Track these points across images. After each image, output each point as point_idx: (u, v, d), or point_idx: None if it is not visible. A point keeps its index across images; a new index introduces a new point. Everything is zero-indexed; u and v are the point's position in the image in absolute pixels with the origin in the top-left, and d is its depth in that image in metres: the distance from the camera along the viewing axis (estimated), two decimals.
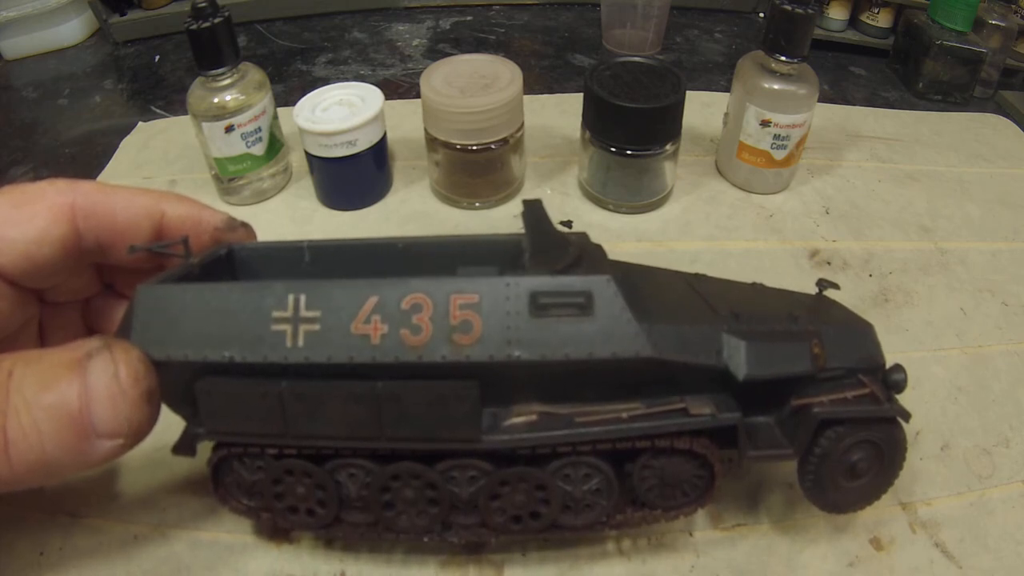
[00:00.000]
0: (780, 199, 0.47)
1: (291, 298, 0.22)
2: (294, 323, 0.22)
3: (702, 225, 0.44)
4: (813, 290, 0.40)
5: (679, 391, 0.24)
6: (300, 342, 0.22)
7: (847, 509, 0.27)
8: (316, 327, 0.22)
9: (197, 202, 0.29)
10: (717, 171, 0.49)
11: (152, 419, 0.22)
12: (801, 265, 0.42)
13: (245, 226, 0.30)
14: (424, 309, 0.22)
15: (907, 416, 0.25)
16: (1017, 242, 0.44)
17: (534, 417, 0.24)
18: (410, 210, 0.45)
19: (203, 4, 0.39)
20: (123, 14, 0.67)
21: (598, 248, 0.27)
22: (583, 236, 0.28)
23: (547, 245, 0.25)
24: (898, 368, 0.26)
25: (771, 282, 0.40)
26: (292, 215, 0.45)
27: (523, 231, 0.27)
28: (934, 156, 0.52)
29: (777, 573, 0.28)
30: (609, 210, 0.45)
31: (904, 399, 0.34)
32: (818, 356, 0.25)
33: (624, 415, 0.24)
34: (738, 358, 0.24)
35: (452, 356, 0.22)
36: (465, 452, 0.24)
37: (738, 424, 0.24)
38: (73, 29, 0.67)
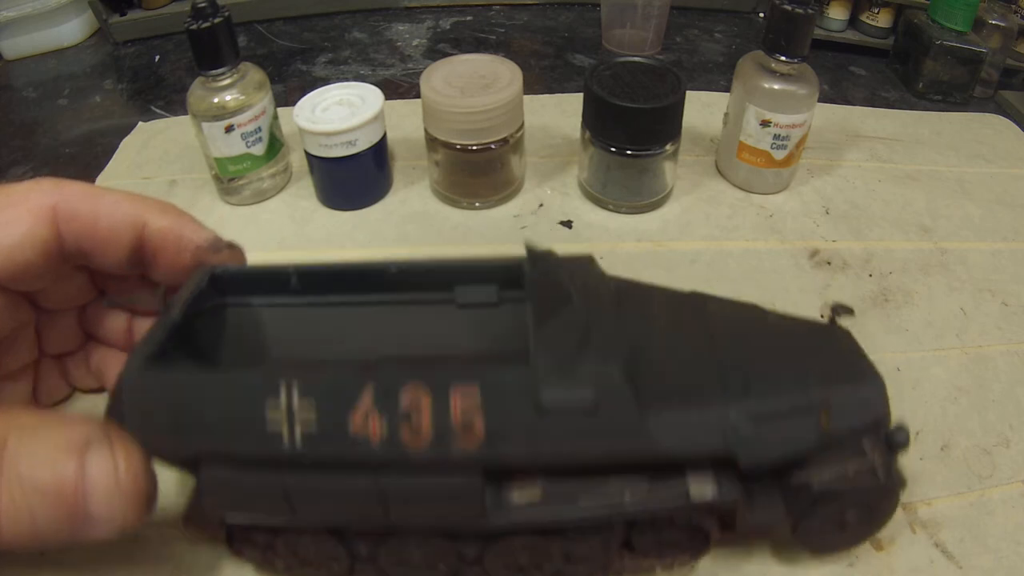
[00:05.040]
0: (780, 199, 0.47)
1: (283, 389, 0.21)
2: (289, 420, 0.22)
3: (702, 225, 0.44)
4: (814, 291, 0.40)
5: (682, 467, 0.25)
6: (298, 441, 0.22)
7: (828, 552, 0.27)
8: (313, 428, 0.22)
9: (183, 216, 0.28)
10: (717, 171, 0.49)
11: (150, 512, 0.22)
12: (801, 265, 0.42)
13: (232, 247, 0.29)
14: (423, 408, 0.21)
15: (904, 485, 0.26)
16: (1017, 242, 0.44)
17: (538, 494, 0.24)
18: (410, 210, 0.45)
19: (203, 4, 0.39)
20: (123, 14, 0.67)
21: (601, 279, 0.26)
22: (587, 261, 0.27)
23: (552, 309, 0.24)
24: (900, 428, 0.26)
25: (771, 282, 0.40)
26: (292, 215, 0.45)
27: (524, 251, 0.27)
28: (934, 156, 0.52)
29: (778, 573, 0.28)
30: (609, 210, 0.45)
31: (904, 399, 0.35)
32: (824, 427, 0.25)
33: (627, 496, 0.24)
34: (744, 443, 0.24)
35: (455, 455, 0.22)
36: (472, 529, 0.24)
37: (737, 504, 0.24)
38: (73, 29, 0.67)
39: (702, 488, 0.24)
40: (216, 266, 0.27)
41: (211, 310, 0.27)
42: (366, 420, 0.21)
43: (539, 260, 0.26)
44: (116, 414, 0.22)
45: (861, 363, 0.28)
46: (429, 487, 0.22)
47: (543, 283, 0.25)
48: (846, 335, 0.29)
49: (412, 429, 0.21)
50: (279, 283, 0.27)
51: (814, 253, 0.43)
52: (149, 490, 0.22)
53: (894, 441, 0.26)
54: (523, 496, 0.23)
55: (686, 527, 0.25)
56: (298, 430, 0.22)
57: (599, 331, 0.23)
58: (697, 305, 0.28)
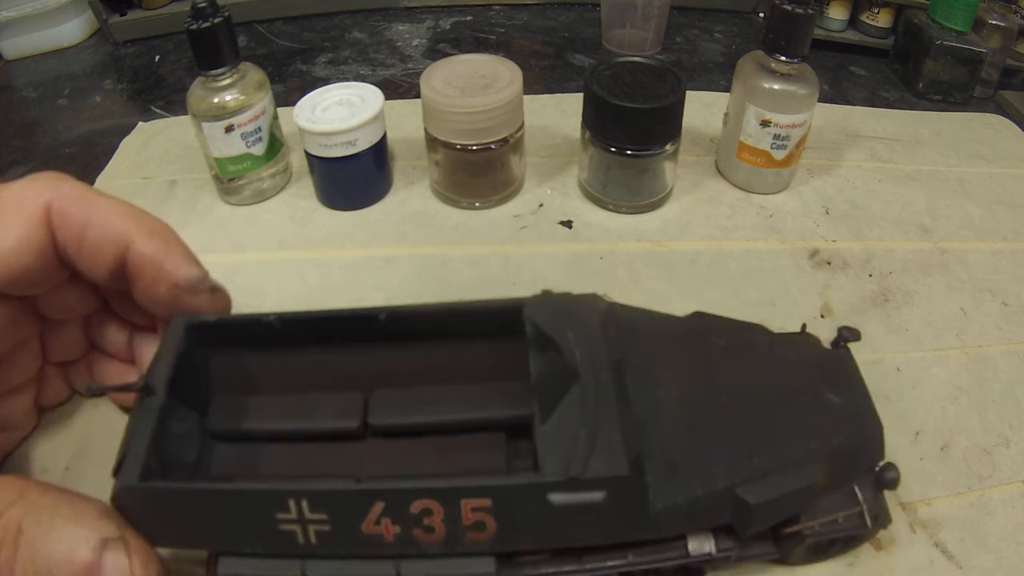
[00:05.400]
0: (780, 199, 0.47)
1: (292, 504, 0.22)
2: (302, 524, 0.22)
3: (702, 225, 0.44)
4: (814, 291, 0.40)
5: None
6: (312, 539, 0.22)
7: (806, 563, 0.28)
8: (326, 527, 0.22)
9: (170, 243, 0.26)
10: (717, 171, 0.49)
11: None
12: (801, 265, 0.42)
13: (214, 291, 0.27)
14: (435, 513, 0.22)
15: (888, 524, 0.27)
16: (1017, 242, 0.44)
17: (546, 556, 0.24)
18: (410, 210, 0.45)
19: (203, 4, 0.39)
20: (123, 14, 0.67)
21: (604, 328, 0.26)
22: (592, 299, 0.27)
23: (557, 392, 0.24)
24: (891, 467, 0.26)
25: (771, 282, 0.40)
26: (292, 215, 0.45)
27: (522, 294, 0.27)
28: (934, 156, 0.52)
29: (778, 573, 0.28)
30: (609, 210, 0.45)
31: (904, 399, 0.35)
32: (821, 484, 0.25)
33: (630, 556, 0.24)
34: (744, 514, 0.24)
35: (468, 548, 0.22)
36: None
37: (732, 555, 0.25)
38: (73, 29, 0.67)
39: (701, 545, 0.25)
40: (193, 318, 0.26)
41: (194, 357, 0.26)
42: (379, 524, 0.22)
43: (540, 322, 0.26)
44: (121, 507, 0.22)
45: (862, 403, 0.28)
46: (444, 568, 0.23)
47: (547, 364, 0.25)
48: (847, 361, 0.29)
49: (424, 530, 0.22)
50: (262, 332, 0.27)
51: (814, 253, 0.43)
52: None
53: (883, 479, 0.26)
54: (531, 556, 0.24)
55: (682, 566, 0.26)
56: (311, 530, 0.22)
57: (606, 420, 0.23)
58: (702, 345, 0.28)
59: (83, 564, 0.20)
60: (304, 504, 0.21)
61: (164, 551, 0.23)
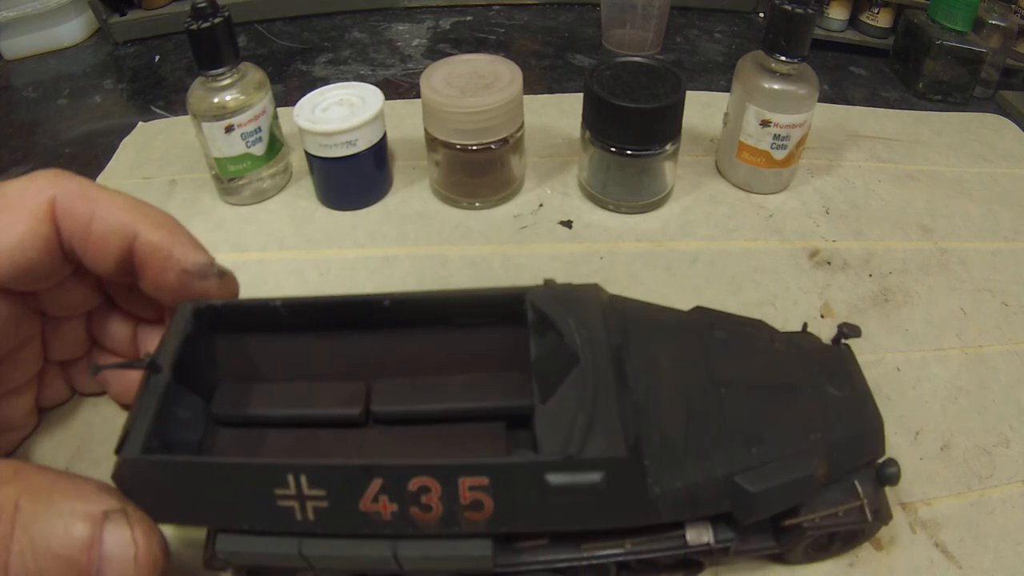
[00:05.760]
0: (780, 199, 0.47)
1: (291, 479, 0.22)
2: (300, 500, 0.22)
3: (702, 225, 0.44)
4: (814, 291, 0.40)
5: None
6: (310, 516, 0.22)
7: (806, 562, 0.28)
8: (324, 504, 0.22)
9: (176, 232, 0.27)
10: (717, 171, 0.49)
11: None
12: (801, 265, 0.42)
13: (222, 275, 0.27)
14: (432, 491, 0.22)
15: (889, 520, 0.27)
16: (1017, 242, 0.44)
17: (544, 541, 0.24)
18: (410, 210, 0.45)
19: (203, 4, 0.39)
20: (123, 14, 0.67)
21: (606, 317, 0.26)
22: (594, 289, 0.27)
23: (557, 376, 0.24)
24: (891, 462, 0.26)
25: (771, 282, 0.40)
26: (292, 215, 0.45)
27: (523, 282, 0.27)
28: (934, 156, 0.52)
29: (778, 573, 0.28)
30: (609, 210, 0.45)
31: (904, 399, 0.35)
32: (822, 477, 0.25)
33: (628, 545, 0.24)
34: (744, 502, 0.24)
35: (465, 528, 0.22)
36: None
37: (732, 547, 0.25)
38: (73, 29, 0.67)
39: (699, 535, 0.25)
40: (200, 302, 0.26)
41: (200, 342, 0.26)
42: (377, 501, 0.22)
43: (542, 307, 0.26)
44: (122, 483, 0.22)
45: (862, 398, 0.28)
46: (441, 550, 0.23)
47: (548, 347, 0.25)
48: (848, 356, 0.29)
49: (421, 507, 0.22)
50: (268, 317, 0.27)
51: (814, 253, 0.43)
52: (164, 566, 0.22)
53: (884, 475, 0.26)
54: (529, 543, 0.24)
55: (681, 558, 0.26)
56: (310, 506, 0.22)
57: (605, 403, 0.23)
58: (702, 336, 0.28)
59: (83, 537, 0.20)
60: (303, 480, 0.21)
61: (164, 532, 0.23)
